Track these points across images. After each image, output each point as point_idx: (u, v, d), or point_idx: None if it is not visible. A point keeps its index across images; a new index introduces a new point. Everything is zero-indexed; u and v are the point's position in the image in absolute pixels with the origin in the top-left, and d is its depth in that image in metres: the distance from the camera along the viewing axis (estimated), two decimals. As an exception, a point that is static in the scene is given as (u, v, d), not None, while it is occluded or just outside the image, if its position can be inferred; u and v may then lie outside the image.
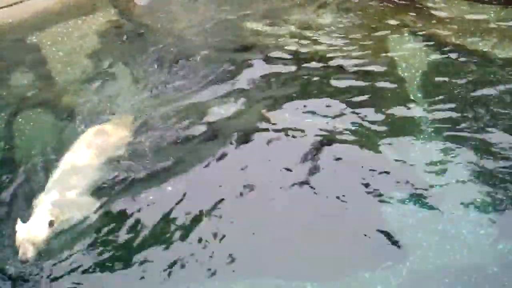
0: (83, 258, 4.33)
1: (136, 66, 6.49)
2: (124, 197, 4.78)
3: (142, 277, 4.21)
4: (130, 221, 4.60)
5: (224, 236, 4.47)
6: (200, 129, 5.54)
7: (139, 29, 7.18)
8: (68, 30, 7.12)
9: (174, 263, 4.29)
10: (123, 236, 4.51)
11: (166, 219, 4.60)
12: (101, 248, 4.41)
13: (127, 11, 7.43)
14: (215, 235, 4.47)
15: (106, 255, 4.37)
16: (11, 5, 7.40)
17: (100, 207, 4.68)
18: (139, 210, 4.68)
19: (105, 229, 4.54)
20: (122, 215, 4.63)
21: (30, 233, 4.25)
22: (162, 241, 4.46)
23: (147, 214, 4.64)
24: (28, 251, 4.18)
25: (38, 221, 4.34)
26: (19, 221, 4.32)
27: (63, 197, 4.59)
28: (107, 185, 4.87)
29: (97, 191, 4.81)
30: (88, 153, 5.00)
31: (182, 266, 4.28)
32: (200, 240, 4.44)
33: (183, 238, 4.46)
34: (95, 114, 5.78)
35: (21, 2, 7.46)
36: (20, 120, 5.85)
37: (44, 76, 6.49)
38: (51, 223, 4.36)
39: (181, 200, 4.75)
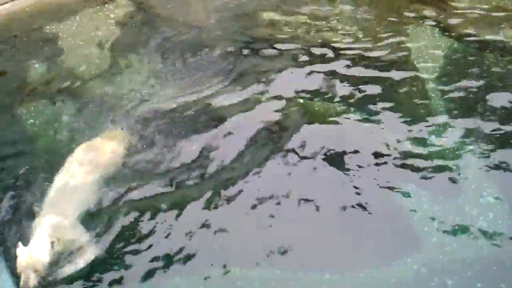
0: (87, 278, 4.22)
1: (150, 60, 6.47)
2: (123, 214, 4.63)
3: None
4: (131, 238, 4.45)
5: (241, 226, 4.47)
6: (219, 130, 5.43)
7: (153, 19, 7.13)
8: (83, 21, 7.11)
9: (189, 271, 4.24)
10: (126, 252, 4.37)
11: (171, 235, 4.47)
12: (104, 267, 4.28)
13: (141, 1, 7.38)
14: (230, 229, 4.45)
15: (109, 274, 4.25)
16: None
17: (99, 225, 4.53)
18: (139, 227, 4.52)
19: (108, 247, 4.39)
20: (122, 232, 4.49)
21: (33, 257, 4.10)
22: (169, 255, 4.33)
23: (148, 231, 4.50)
24: (30, 279, 4.04)
25: (39, 245, 4.19)
26: (20, 244, 4.15)
27: (61, 218, 4.44)
28: (105, 202, 4.70)
29: (95, 208, 4.66)
30: (81, 170, 4.82)
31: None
32: (214, 233, 4.43)
33: (193, 254, 4.34)
34: (105, 110, 5.75)
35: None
36: (29, 111, 5.86)
37: (57, 67, 6.50)
38: (52, 246, 4.21)
39: (191, 213, 4.62)
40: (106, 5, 7.30)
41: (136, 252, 4.35)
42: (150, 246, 4.38)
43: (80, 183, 4.73)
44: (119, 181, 4.88)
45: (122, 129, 5.46)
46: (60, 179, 4.79)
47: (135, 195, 4.77)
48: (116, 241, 4.42)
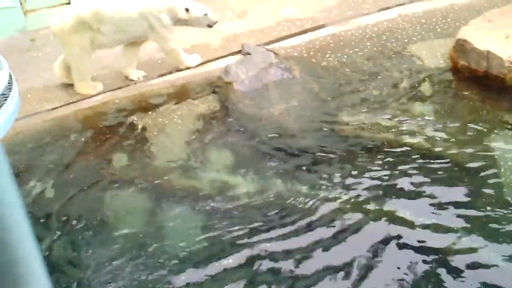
0: None
1: (229, 157, 6.61)
2: None
3: None
4: None
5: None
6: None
7: (236, 116, 7.34)
8: (168, 114, 7.37)
9: None
10: None
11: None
12: None
13: (226, 97, 7.60)
14: None
15: None
16: (119, 88, 7.81)
17: None
18: None
19: None
20: None
21: None
22: None
23: None
24: None
25: None
26: None
27: None
28: None
29: None
30: None
31: None
32: None
33: None
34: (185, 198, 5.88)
35: (126, 86, 7.87)
36: (107, 200, 6.10)
37: (140, 157, 6.74)
38: None
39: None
40: (191, 100, 7.55)
41: None
42: None
43: None
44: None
45: None
46: None
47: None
48: None
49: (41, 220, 5.81)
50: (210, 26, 7.82)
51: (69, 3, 9.44)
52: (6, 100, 2.58)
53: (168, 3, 7.57)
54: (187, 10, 7.58)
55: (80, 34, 7.23)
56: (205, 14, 7.68)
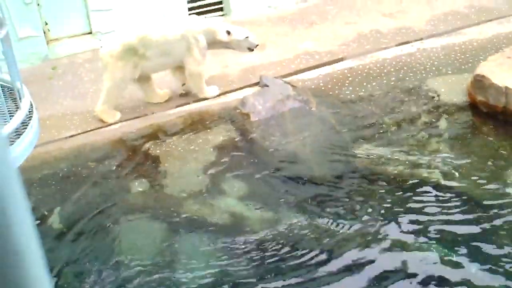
0: None
1: (242, 188, 6.59)
2: None
3: None
4: None
5: None
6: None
7: (251, 148, 7.34)
8: (185, 144, 7.38)
9: None
10: None
11: None
12: None
13: (242, 128, 7.62)
14: None
15: None
16: (136, 117, 7.87)
17: None
18: None
19: None
20: None
21: None
22: None
23: None
24: None
25: None
26: None
27: None
28: None
29: None
30: None
31: None
32: None
33: None
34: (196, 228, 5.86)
35: (144, 115, 7.93)
36: (117, 227, 6.09)
37: (154, 186, 6.76)
38: None
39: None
40: (208, 131, 7.58)
41: None
42: None
43: None
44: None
45: None
46: None
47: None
48: None
49: (51, 245, 5.81)
50: (251, 49, 7.90)
51: (90, 33, 9.64)
52: (25, 128, 2.62)
53: (207, 25, 7.71)
54: (228, 32, 7.69)
55: (125, 61, 7.41)
56: (247, 37, 7.78)
